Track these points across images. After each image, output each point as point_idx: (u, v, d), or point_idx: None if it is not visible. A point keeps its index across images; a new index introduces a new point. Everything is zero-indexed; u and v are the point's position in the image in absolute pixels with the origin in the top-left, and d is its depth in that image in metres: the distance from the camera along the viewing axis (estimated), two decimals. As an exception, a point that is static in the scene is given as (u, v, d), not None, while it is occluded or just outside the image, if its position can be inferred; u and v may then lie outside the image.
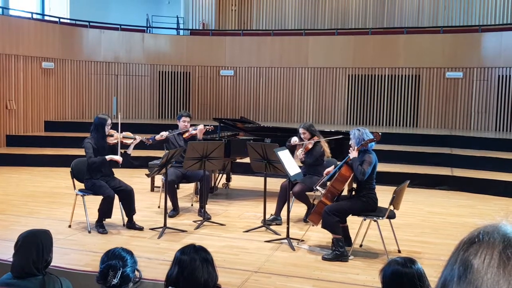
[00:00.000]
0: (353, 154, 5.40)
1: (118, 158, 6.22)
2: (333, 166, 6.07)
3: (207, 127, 7.36)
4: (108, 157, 6.18)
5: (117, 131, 6.38)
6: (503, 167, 9.49)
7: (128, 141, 6.44)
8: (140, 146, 6.67)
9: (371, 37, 14.16)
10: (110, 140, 6.33)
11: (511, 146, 10.69)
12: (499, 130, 12.82)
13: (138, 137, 6.53)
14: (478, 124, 13.11)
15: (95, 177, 6.22)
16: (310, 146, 6.68)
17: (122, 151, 6.41)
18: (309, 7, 16.81)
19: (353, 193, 5.59)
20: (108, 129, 6.31)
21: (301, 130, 6.75)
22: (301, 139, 6.76)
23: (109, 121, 6.33)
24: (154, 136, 7.13)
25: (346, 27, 16.13)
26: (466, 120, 13.22)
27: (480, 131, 12.82)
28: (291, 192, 6.40)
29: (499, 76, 12.77)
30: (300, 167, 6.31)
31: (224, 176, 8.94)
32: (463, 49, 13.09)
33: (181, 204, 7.31)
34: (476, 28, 13.69)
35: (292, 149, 6.71)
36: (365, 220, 5.53)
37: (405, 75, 13.65)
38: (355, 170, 5.31)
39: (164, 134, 7.14)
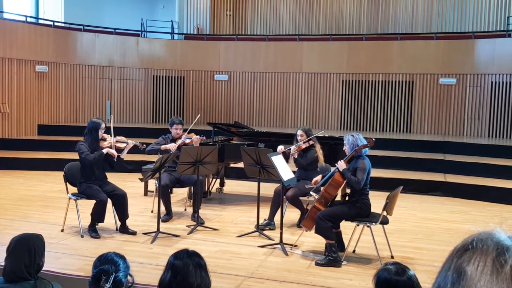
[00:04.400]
0: (341, 166, 5.40)
1: (113, 151, 6.22)
2: (320, 176, 6.06)
3: (200, 137, 7.30)
4: (105, 150, 6.18)
5: (110, 135, 6.37)
6: (496, 173, 9.52)
7: (121, 145, 6.43)
8: (133, 150, 6.65)
9: (365, 43, 14.21)
10: (103, 144, 6.32)
11: (504, 152, 10.74)
12: (492, 136, 12.88)
13: (131, 142, 6.50)
14: (471, 130, 13.17)
15: (89, 181, 6.20)
16: (303, 146, 6.71)
17: (116, 155, 6.39)
18: (304, 13, 16.86)
19: (347, 198, 5.60)
20: (101, 133, 6.31)
21: (299, 132, 6.78)
22: (297, 142, 6.79)
23: (103, 125, 6.32)
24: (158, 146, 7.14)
25: (340, 33, 16.18)
26: (459, 126, 13.28)
27: (473, 137, 12.88)
28: (284, 197, 6.40)
29: (492, 82, 12.84)
30: (293, 172, 6.32)
31: (218, 180, 8.93)
32: (457, 55, 13.16)
33: (174, 208, 7.30)
34: (469, 34, 13.77)
35: (286, 155, 6.74)
36: (358, 225, 5.54)
37: (399, 81, 13.70)
38: (349, 181, 5.32)
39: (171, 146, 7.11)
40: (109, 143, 6.32)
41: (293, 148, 6.70)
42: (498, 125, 12.83)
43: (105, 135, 6.38)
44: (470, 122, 13.17)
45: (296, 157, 6.72)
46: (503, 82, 12.71)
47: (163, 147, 7.13)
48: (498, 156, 10.49)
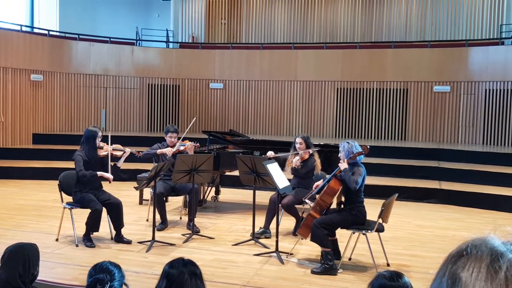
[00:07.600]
0: (343, 165, 5.43)
1: (109, 175, 6.18)
2: (322, 180, 6.07)
3: (194, 143, 7.27)
4: (99, 173, 6.15)
5: (107, 144, 6.35)
6: (490, 180, 9.55)
7: (118, 154, 6.41)
8: (129, 158, 6.64)
9: (359, 51, 14.27)
10: (100, 153, 6.30)
11: (498, 160, 10.78)
12: (486, 144, 12.93)
13: (128, 150, 6.49)
14: (466, 138, 13.22)
15: (84, 190, 6.18)
16: (306, 156, 6.71)
17: (112, 163, 6.38)
18: (298, 21, 16.93)
19: (342, 206, 5.60)
20: (98, 142, 6.29)
21: (298, 140, 6.78)
22: (295, 149, 6.79)
23: (99, 134, 6.30)
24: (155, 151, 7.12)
25: (335, 41, 16.26)
26: (453, 133, 13.33)
27: (468, 145, 12.93)
28: (280, 205, 6.40)
29: (485, 90, 12.91)
30: (289, 180, 6.32)
31: (213, 189, 8.92)
32: (450, 63, 13.23)
33: (169, 217, 7.27)
34: (463, 42, 13.86)
35: (281, 162, 6.74)
36: (354, 233, 5.53)
37: (393, 89, 13.76)
38: (348, 181, 5.32)
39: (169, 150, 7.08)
40: (106, 151, 6.31)
41: (295, 159, 6.68)
42: (492, 133, 12.88)
43: (102, 143, 6.36)
44: (465, 130, 13.22)
45: (300, 167, 6.68)
46: (496, 90, 12.78)
47: (159, 151, 7.11)
48: (493, 163, 10.52)
